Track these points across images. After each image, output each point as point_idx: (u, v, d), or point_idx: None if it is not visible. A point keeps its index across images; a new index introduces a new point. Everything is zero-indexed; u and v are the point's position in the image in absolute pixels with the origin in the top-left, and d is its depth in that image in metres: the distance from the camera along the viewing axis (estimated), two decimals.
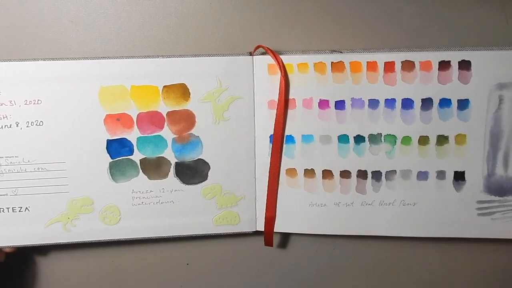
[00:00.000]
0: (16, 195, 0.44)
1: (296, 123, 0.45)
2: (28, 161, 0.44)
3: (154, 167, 0.45)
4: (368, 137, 0.45)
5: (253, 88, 0.45)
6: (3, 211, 0.44)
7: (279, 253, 0.50)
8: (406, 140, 0.45)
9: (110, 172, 0.45)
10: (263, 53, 0.44)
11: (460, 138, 0.44)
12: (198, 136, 0.45)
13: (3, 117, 0.43)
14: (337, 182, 0.46)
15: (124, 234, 0.46)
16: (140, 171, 0.45)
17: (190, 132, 0.45)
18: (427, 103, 0.44)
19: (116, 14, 0.45)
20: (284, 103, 0.44)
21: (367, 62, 0.44)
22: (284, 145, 0.46)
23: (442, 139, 0.45)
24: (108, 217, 0.46)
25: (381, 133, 0.45)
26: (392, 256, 0.50)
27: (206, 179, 0.46)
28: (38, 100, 0.43)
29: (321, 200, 0.46)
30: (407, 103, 0.44)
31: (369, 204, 0.46)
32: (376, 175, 0.45)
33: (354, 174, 0.46)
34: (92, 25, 0.45)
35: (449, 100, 0.44)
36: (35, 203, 0.44)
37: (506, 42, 0.45)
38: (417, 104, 0.44)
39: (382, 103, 0.44)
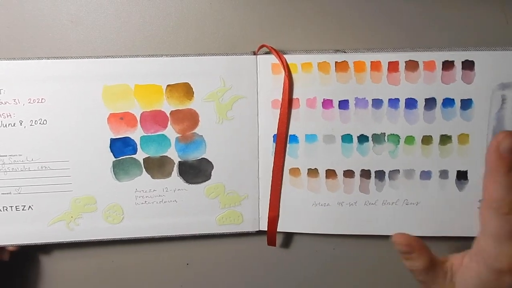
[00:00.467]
0: (19, 193, 0.44)
1: (299, 123, 0.45)
2: (32, 160, 0.44)
3: (157, 166, 0.45)
4: (372, 137, 0.45)
5: (257, 88, 0.45)
6: (6, 209, 0.44)
7: (282, 253, 0.50)
8: (410, 139, 0.45)
9: (113, 171, 0.45)
10: (267, 53, 0.44)
11: (463, 138, 0.45)
12: (202, 136, 0.45)
13: (7, 116, 0.43)
14: (340, 182, 0.46)
15: (127, 233, 0.46)
16: (144, 170, 0.45)
17: (193, 131, 0.45)
18: (430, 103, 0.44)
19: (116, 14, 0.45)
20: (288, 103, 0.44)
21: (371, 62, 0.44)
22: (288, 145, 0.46)
23: (445, 139, 0.45)
24: (112, 216, 0.46)
25: (384, 133, 0.45)
26: (394, 255, 0.50)
27: (210, 178, 0.46)
28: (42, 98, 0.43)
29: (325, 199, 0.46)
30: (411, 103, 0.44)
31: (372, 204, 0.46)
32: (380, 174, 0.46)
33: (357, 174, 0.46)
34: (92, 25, 0.45)
35: (453, 100, 0.44)
36: (39, 201, 0.44)
37: (507, 42, 0.45)
38: (421, 104, 0.44)
39: (385, 102, 0.44)
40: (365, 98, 0.44)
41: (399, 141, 0.45)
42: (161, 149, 0.45)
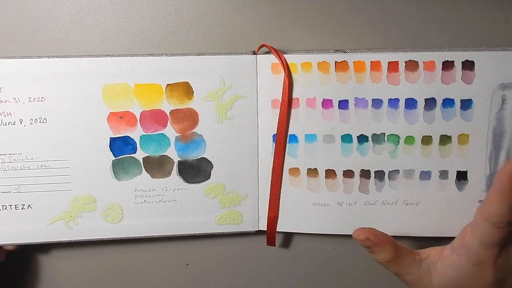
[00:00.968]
0: (19, 192, 0.44)
1: (299, 123, 0.45)
2: (32, 159, 0.44)
3: (157, 166, 0.45)
4: (372, 137, 0.45)
5: (257, 87, 0.45)
6: (5, 208, 0.44)
7: (281, 253, 0.50)
8: (409, 140, 0.45)
9: (113, 170, 0.45)
10: (267, 52, 0.44)
11: (463, 138, 0.44)
12: (201, 135, 0.45)
13: (7, 114, 0.43)
14: (340, 182, 0.46)
15: (127, 232, 0.46)
16: (143, 169, 0.45)
17: (193, 130, 0.45)
18: (430, 103, 0.44)
19: (116, 13, 0.45)
20: (288, 102, 0.44)
21: (371, 61, 0.44)
22: (287, 145, 0.46)
23: (445, 139, 0.45)
24: (111, 216, 0.46)
25: (384, 133, 0.45)
26: None
27: (209, 178, 0.46)
28: (42, 97, 0.43)
29: (324, 199, 0.46)
30: (411, 103, 0.44)
31: (372, 204, 0.46)
32: (379, 174, 0.45)
33: (357, 174, 0.46)
34: (92, 24, 0.45)
35: (452, 100, 0.44)
36: (38, 200, 0.44)
37: (507, 42, 0.45)
38: (421, 104, 0.44)
39: (385, 102, 0.44)
40: (365, 98, 0.44)
41: (399, 141, 0.45)
42: (161, 149, 0.45)
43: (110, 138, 0.44)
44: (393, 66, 0.44)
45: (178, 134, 0.45)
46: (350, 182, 0.46)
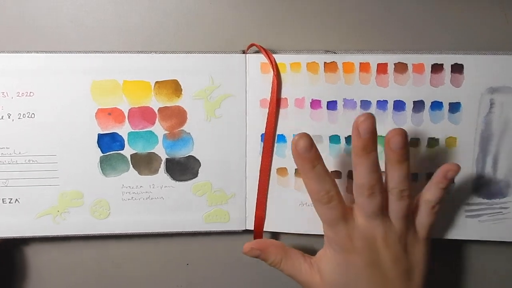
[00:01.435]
0: (6, 186, 0.44)
1: (287, 123, 0.45)
2: (19, 153, 0.44)
3: (144, 163, 0.45)
4: None
5: (246, 86, 0.45)
6: None
7: None
8: None
9: (100, 166, 0.45)
10: (256, 52, 0.44)
11: (451, 141, 0.44)
12: (189, 133, 0.45)
13: None
14: None
15: (114, 228, 0.46)
16: (131, 166, 0.45)
17: (181, 128, 0.45)
18: (418, 105, 0.44)
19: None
20: (276, 102, 0.44)
21: (360, 63, 0.44)
22: (276, 144, 0.46)
23: (432, 142, 0.45)
24: (98, 211, 0.46)
25: None
26: None
27: (197, 176, 0.46)
28: (31, 92, 0.43)
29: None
30: (399, 105, 0.44)
31: None
32: None
33: (344, 175, 0.46)
34: (90, 23, 0.45)
35: (441, 103, 0.44)
36: (26, 194, 0.45)
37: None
38: (409, 106, 0.44)
39: (374, 104, 0.44)
40: (353, 99, 0.44)
41: None
42: (149, 146, 0.45)
43: (98, 134, 0.44)
44: (382, 68, 0.44)
45: (166, 132, 0.45)
46: (337, 183, 0.46)
